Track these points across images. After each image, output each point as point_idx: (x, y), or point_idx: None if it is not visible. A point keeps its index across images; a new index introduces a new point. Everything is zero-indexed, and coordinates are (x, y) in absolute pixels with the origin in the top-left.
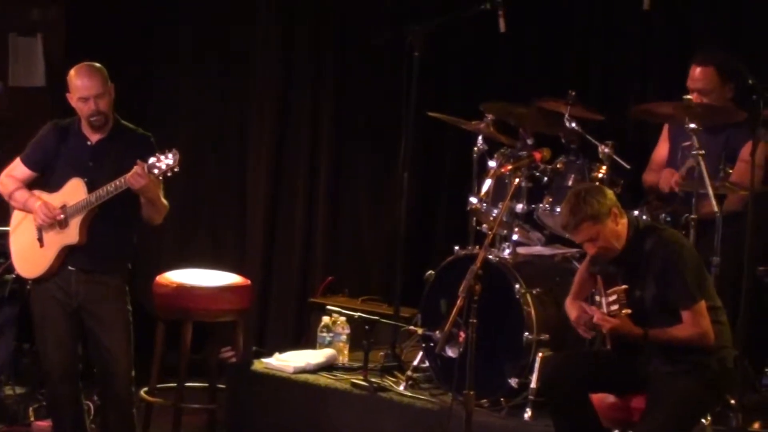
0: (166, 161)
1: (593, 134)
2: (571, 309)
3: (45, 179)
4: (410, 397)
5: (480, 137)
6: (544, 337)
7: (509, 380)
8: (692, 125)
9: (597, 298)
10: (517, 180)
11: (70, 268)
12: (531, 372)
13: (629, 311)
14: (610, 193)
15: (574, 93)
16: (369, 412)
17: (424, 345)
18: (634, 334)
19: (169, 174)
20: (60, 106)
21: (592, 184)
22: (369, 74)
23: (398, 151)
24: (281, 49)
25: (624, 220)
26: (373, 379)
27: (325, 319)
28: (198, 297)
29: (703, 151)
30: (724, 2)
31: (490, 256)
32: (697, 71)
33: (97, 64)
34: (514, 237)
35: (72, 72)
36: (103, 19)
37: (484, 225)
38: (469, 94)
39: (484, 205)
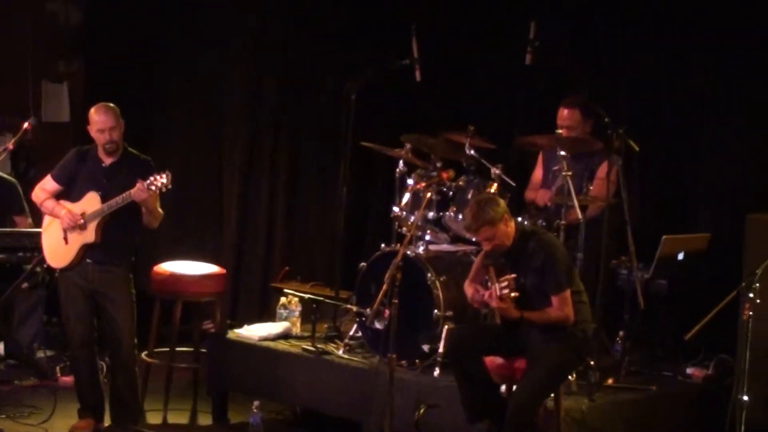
0: (161, 180)
1: (487, 159)
2: (469, 288)
3: (68, 192)
4: (347, 359)
5: (401, 161)
6: (449, 313)
7: (422, 346)
8: (562, 153)
9: (489, 284)
10: (429, 194)
11: (88, 260)
12: (439, 340)
13: (517, 295)
14: (502, 203)
15: (472, 128)
16: (316, 370)
17: (358, 319)
18: (515, 316)
19: (164, 190)
20: (80, 137)
21: (489, 195)
22: (317, 114)
23: (339, 172)
24: (250, 97)
25: (512, 224)
26: (318, 345)
27: (283, 299)
28: (185, 282)
29: (570, 173)
30: (585, 60)
31: (408, 252)
32: (565, 112)
33: (112, 104)
34: (427, 237)
35: (92, 110)
36: (114, 69)
37: (404, 228)
38: (393, 128)
39: (404, 213)
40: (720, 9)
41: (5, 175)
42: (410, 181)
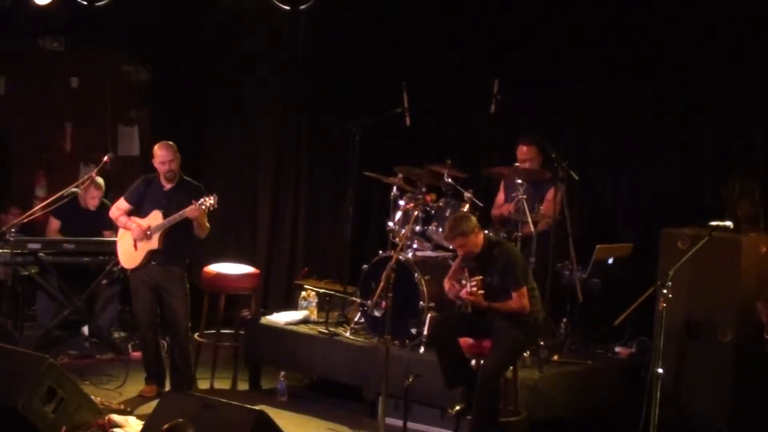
0: (209, 201)
1: (461, 185)
2: (447, 283)
3: (137, 210)
4: (353, 339)
5: (395, 187)
6: (432, 304)
7: (411, 329)
8: (519, 180)
9: (463, 282)
10: (416, 212)
11: (152, 262)
12: (423, 325)
13: (483, 292)
14: (473, 219)
15: (450, 161)
16: (328, 348)
17: (361, 309)
18: (483, 307)
19: (211, 209)
20: (147, 167)
21: (464, 213)
22: (330, 150)
23: (347, 195)
24: (278, 138)
25: (481, 235)
26: (330, 329)
27: (303, 293)
28: (228, 279)
29: (525, 196)
30: (536, 109)
31: (400, 257)
32: (524, 149)
33: (171, 142)
34: (414, 246)
35: (156, 146)
36: (173, 115)
37: (397, 238)
38: (388, 161)
39: (397, 227)
40: (630, 65)
41: (107, 201)
42: (402, 202)
